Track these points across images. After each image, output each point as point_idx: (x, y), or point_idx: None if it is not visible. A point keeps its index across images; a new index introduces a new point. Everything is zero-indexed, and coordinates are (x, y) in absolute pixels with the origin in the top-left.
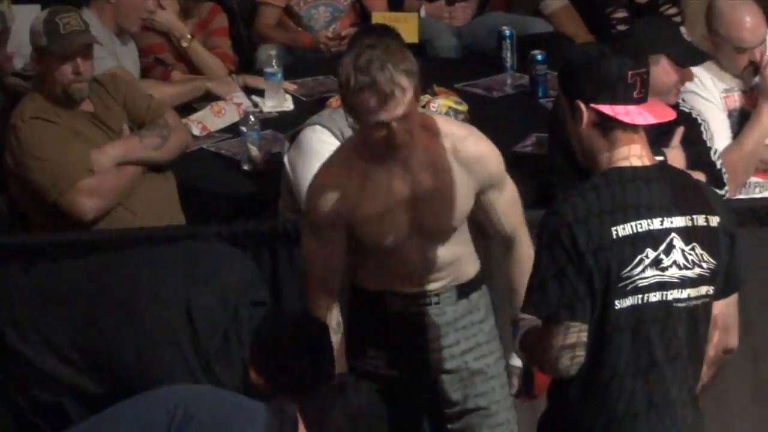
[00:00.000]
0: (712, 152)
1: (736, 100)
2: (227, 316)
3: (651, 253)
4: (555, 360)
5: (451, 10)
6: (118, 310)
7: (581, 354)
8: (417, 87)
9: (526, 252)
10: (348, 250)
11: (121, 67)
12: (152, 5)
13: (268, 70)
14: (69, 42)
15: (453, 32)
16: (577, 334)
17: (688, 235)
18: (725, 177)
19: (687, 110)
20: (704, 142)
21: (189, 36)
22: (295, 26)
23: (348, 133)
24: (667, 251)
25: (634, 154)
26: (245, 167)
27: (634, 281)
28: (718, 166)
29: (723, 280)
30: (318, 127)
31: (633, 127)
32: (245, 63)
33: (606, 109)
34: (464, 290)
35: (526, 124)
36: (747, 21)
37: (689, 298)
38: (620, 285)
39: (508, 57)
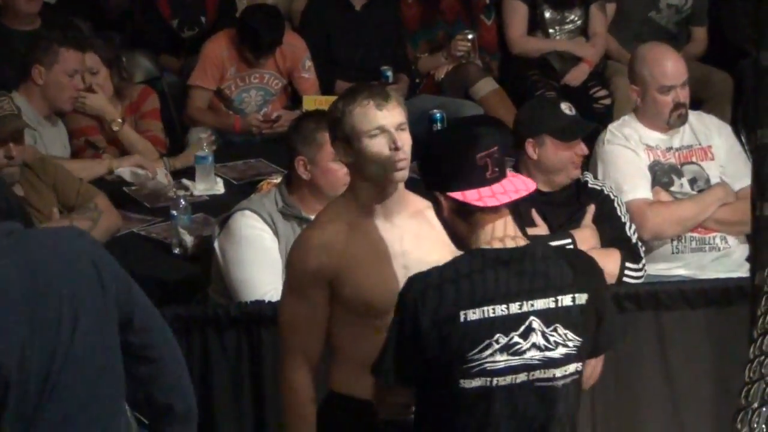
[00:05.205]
0: (627, 227)
1: (658, 155)
2: None
3: (502, 339)
4: (381, 407)
5: None
6: None
7: (406, 411)
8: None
9: None
10: (339, 346)
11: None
12: (79, 83)
13: (199, 153)
14: (1, 126)
15: None
16: (404, 396)
17: (550, 316)
18: (642, 251)
19: (599, 188)
20: (619, 217)
21: (120, 120)
22: (226, 110)
23: (277, 218)
24: (525, 335)
25: (496, 237)
26: (176, 251)
27: (482, 364)
28: (634, 240)
29: (590, 348)
30: (247, 212)
31: (492, 209)
32: (176, 146)
33: (458, 195)
34: None
35: None
36: (668, 59)
37: (554, 378)
38: (465, 366)
39: None
